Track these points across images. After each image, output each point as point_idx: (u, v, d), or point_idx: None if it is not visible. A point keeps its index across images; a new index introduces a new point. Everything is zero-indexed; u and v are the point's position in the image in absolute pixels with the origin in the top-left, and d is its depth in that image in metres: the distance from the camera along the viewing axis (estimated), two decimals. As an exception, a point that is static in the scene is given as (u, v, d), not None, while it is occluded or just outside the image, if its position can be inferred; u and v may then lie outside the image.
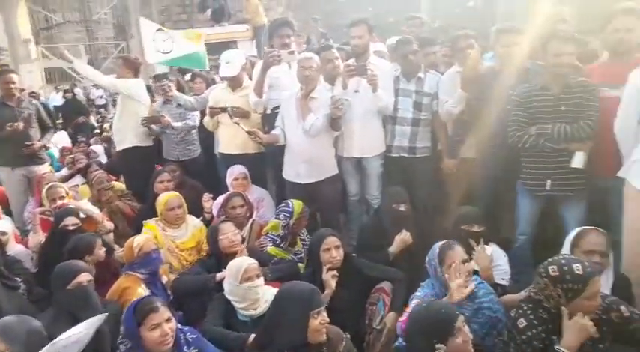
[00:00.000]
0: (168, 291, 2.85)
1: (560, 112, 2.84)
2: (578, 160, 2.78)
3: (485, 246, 2.65)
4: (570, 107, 2.81)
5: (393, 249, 3.05)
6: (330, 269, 2.64)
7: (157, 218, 3.40)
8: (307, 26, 9.31)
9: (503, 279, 2.66)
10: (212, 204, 3.62)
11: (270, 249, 3.16)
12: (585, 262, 1.96)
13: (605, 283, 2.27)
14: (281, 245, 3.19)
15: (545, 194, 2.95)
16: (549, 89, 2.88)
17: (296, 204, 3.25)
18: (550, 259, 1.99)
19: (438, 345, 1.75)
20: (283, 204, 3.32)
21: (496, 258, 2.72)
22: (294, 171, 3.61)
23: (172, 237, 3.32)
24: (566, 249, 2.36)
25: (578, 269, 1.89)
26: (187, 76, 5.84)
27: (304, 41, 6.17)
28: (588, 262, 1.99)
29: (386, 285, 2.74)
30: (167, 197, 3.39)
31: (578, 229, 2.41)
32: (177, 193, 3.49)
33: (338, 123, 3.49)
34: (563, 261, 1.94)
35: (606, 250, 2.29)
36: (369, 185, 3.84)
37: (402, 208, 3.15)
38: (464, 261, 2.26)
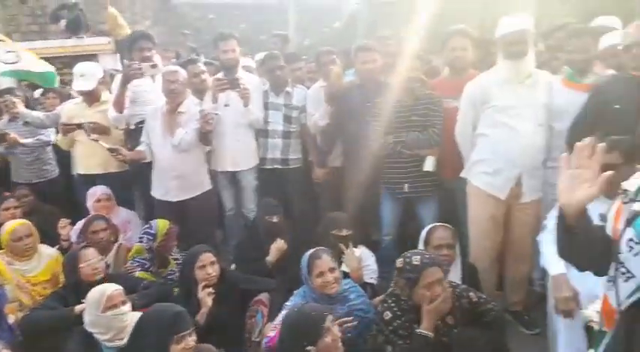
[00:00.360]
0: (17, 332, 2.51)
1: (412, 122, 3.13)
2: (429, 164, 3.08)
3: (354, 249, 2.80)
4: (420, 117, 3.12)
5: (269, 258, 3.07)
6: (205, 286, 2.57)
7: (1, 250, 3.00)
8: (176, 41, 9.05)
9: (372, 278, 2.83)
10: (70, 230, 3.30)
11: (140, 273, 2.97)
12: (426, 255, 2.18)
13: (455, 273, 2.54)
14: (150, 268, 3.02)
15: (404, 196, 3.22)
16: (402, 101, 3.17)
17: (160, 225, 3.12)
18: (402, 254, 2.18)
19: (308, 348, 1.79)
20: (147, 226, 3.18)
21: (365, 259, 2.88)
22: (164, 188, 3.46)
23: (22, 270, 2.96)
24: (420, 245, 2.60)
25: (415, 261, 2.11)
26: (38, 92, 5.28)
27: (173, 56, 5.99)
28: (430, 255, 2.22)
29: (264, 297, 2.75)
30: (13, 226, 3.01)
31: (428, 227, 2.67)
32: (25, 221, 3.11)
33: (208, 138, 3.44)
34: (407, 254, 2.16)
35: (453, 243, 2.56)
36: (244, 198, 3.84)
37: (275, 219, 3.19)
38: (331, 269, 2.35)
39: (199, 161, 3.55)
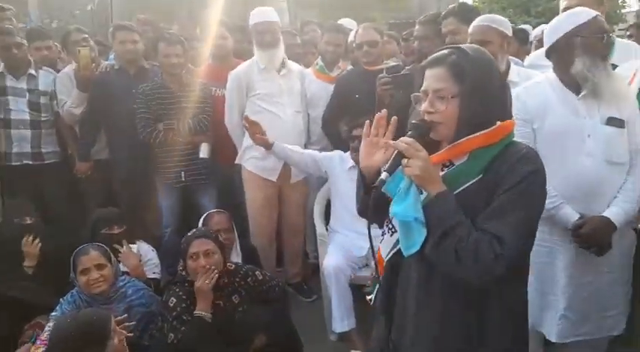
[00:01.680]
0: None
1: (182, 108, 3.06)
2: (203, 151, 3.08)
3: (131, 245, 2.63)
4: (190, 103, 3.07)
5: (27, 263, 2.66)
6: None
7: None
8: None
9: (154, 273, 2.71)
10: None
11: None
12: (201, 229, 2.36)
13: (235, 254, 2.64)
14: None
15: (182, 185, 3.15)
16: (168, 87, 3.07)
17: None
18: None
19: None
20: None
21: (145, 254, 2.74)
22: None
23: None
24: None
25: (189, 234, 2.25)
26: None
27: None
28: (204, 229, 2.37)
29: (42, 319, 2.35)
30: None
31: (205, 214, 2.70)
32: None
33: None
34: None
35: (228, 227, 2.64)
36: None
37: (28, 221, 2.77)
38: (98, 266, 2.17)
39: None
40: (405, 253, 1.26)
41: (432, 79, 1.25)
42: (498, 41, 2.20)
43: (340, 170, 2.86)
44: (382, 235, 1.39)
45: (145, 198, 3.32)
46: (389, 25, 6.54)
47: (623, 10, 14.60)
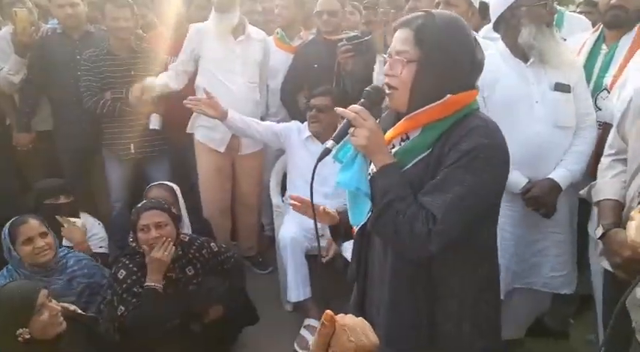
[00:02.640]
0: None
1: (131, 77, 2.91)
2: (154, 122, 2.95)
3: (75, 219, 2.50)
4: (139, 72, 2.92)
5: None
6: None
7: None
8: None
9: (101, 247, 2.62)
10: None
11: None
12: (151, 200, 2.27)
13: (185, 229, 2.57)
14: None
15: (132, 157, 3.02)
16: (116, 54, 2.91)
17: None
18: None
19: (18, 331, 1.57)
20: None
21: (91, 228, 2.62)
22: None
23: None
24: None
25: (138, 205, 2.20)
26: None
27: None
28: (155, 200, 2.29)
29: None
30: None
31: (148, 186, 2.61)
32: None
33: None
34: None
35: (173, 201, 2.51)
36: None
37: None
38: (42, 234, 2.07)
39: None
40: (353, 223, 1.26)
41: (397, 40, 1.22)
42: (464, 7, 2.21)
43: (297, 140, 2.82)
44: None
45: (92, 171, 3.18)
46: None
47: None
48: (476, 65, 1.22)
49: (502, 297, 2.01)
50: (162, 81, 2.85)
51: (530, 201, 1.90)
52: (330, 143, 1.18)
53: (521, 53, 1.90)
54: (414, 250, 1.15)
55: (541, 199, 1.88)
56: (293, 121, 2.95)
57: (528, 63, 1.90)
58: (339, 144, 1.20)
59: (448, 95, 1.16)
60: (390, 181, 1.15)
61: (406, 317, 1.25)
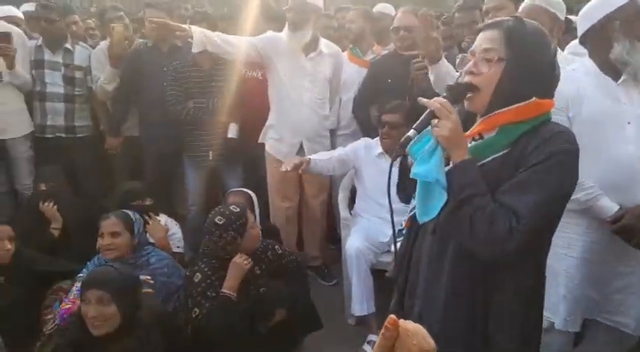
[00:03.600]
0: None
1: (213, 87, 3.08)
2: (232, 131, 3.10)
3: (158, 217, 2.67)
4: (220, 82, 3.08)
5: (53, 225, 2.75)
6: None
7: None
8: None
9: (178, 247, 2.76)
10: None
11: None
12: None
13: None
14: None
15: (209, 164, 3.17)
16: (200, 65, 3.08)
17: None
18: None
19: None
20: None
21: (170, 228, 2.78)
22: None
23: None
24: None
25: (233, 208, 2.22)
26: None
27: None
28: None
29: (65, 284, 2.41)
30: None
31: (228, 192, 2.71)
32: None
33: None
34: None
35: (250, 207, 2.57)
36: (17, 172, 3.29)
37: (43, 187, 2.87)
38: (113, 234, 2.22)
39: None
40: (420, 219, 1.25)
41: (484, 39, 1.23)
42: (549, 24, 2.07)
43: (366, 156, 2.82)
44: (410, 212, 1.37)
45: (172, 176, 3.37)
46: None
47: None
48: (555, 76, 1.24)
49: (578, 329, 1.92)
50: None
51: (621, 229, 1.74)
52: (412, 132, 1.19)
53: (613, 70, 1.77)
54: (490, 246, 1.14)
55: (634, 228, 1.72)
56: (362, 139, 2.96)
57: (620, 80, 1.76)
58: (419, 136, 1.20)
59: (534, 98, 1.17)
60: (469, 176, 1.15)
61: (461, 321, 1.23)
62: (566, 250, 1.85)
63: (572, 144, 1.17)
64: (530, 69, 1.18)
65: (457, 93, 1.22)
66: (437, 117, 1.17)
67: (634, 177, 1.74)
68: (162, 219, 2.75)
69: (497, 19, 1.26)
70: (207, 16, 3.55)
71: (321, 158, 2.75)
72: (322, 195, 3.20)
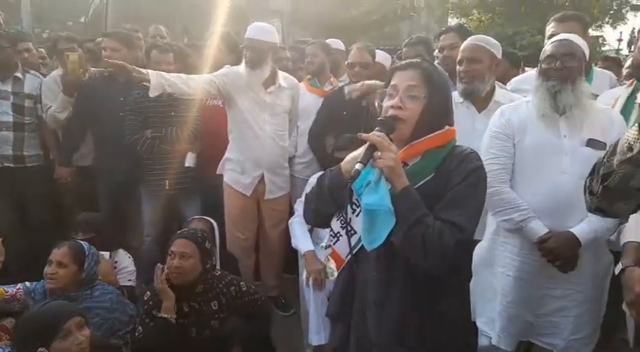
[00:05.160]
0: None
1: (171, 117, 3.08)
2: (189, 160, 3.09)
3: (104, 253, 2.56)
4: (180, 112, 3.08)
5: None
6: None
7: None
8: None
9: (129, 281, 2.67)
10: None
11: None
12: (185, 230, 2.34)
13: (217, 260, 2.61)
14: None
15: (166, 194, 3.13)
16: (160, 95, 3.06)
17: None
18: None
19: (40, 349, 1.62)
20: None
21: (121, 262, 2.70)
22: None
23: None
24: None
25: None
26: None
27: None
28: (188, 230, 2.37)
29: (7, 322, 2.26)
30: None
31: (190, 219, 2.69)
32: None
33: None
34: None
35: (210, 235, 2.56)
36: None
37: None
38: (58, 263, 2.15)
39: None
40: (369, 247, 1.32)
41: (406, 77, 1.37)
42: (487, 62, 2.26)
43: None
44: (333, 238, 1.47)
45: (127, 206, 3.29)
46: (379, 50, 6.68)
47: (603, 48, 15.22)
48: (452, 107, 1.46)
49: (512, 348, 2.02)
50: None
51: (546, 252, 1.86)
52: (359, 165, 1.27)
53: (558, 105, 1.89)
54: (443, 262, 1.27)
55: (556, 251, 1.84)
56: (317, 174, 3.01)
57: (563, 115, 1.89)
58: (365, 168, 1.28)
59: (447, 127, 1.39)
60: (414, 199, 1.29)
61: (414, 335, 1.36)
62: (503, 269, 1.98)
63: (481, 162, 1.38)
64: (442, 103, 1.39)
65: (389, 126, 1.34)
66: (378, 150, 1.27)
67: (565, 204, 1.86)
68: (114, 252, 2.66)
69: (412, 60, 1.42)
70: (176, 49, 3.51)
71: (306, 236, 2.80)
72: (282, 224, 3.19)
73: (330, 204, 1.40)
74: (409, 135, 1.37)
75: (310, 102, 3.29)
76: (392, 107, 1.36)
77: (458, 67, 2.30)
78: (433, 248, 1.25)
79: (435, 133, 1.36)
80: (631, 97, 2.15)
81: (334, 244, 1.47)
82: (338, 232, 1.44)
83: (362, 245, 1.36)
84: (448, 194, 1.31)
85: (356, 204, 1.36)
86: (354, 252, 1.40)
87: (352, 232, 1.39)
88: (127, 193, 3.27)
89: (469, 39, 2.34)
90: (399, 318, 1.35)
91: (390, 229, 1.27)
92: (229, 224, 3.11)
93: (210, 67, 3.31)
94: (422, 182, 1.35)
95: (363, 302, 1.41)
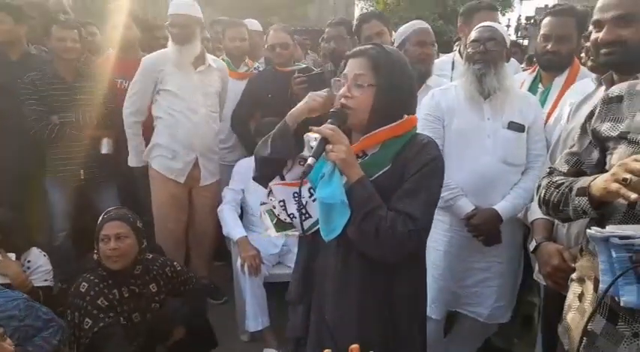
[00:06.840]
0: None
1: (79, 100, 2.82)
2: (105, 146, 2.86)
3: (8, 254, 2.33)
4: (87, 95, 2.83)
5: None
6: None
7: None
8: None
9: (46, 281, 2.43)
10: None
11: None
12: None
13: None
14: None
15: (79, 184, 2.88)
16: (63, 78, 2.81)
17: None
18: None
19: None
20: None
21: (35, 262, 2.43)
22: None
23: None
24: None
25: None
26: None
27: None
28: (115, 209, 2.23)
29: None
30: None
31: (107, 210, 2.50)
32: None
33: None
34: None
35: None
36: None
37: None
38: None
39: None
40: (327, 238, 1.33)
41: (354, 66, 1.36)
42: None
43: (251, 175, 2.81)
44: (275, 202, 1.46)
45: (32, 201, 2.97)
46: (292, 31, 6.62)
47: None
48: (414, 95, 1.44)
49: (441, 316, 2.19)
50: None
51: (472, 227, 2.02)
52: (311, 160, 1.26)
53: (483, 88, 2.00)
54: (395, 250, 1.28)
55: (481, 227, 2.00)
56: (243, 159, 2.97)
57: (487, 99, 2.01)
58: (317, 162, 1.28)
59: (405, 116, 1.36)
60: (368, 191, 1.28)
61: (375, 321, 1.38)
62: (435, 244, 2.11)
63: (438, 152, 1.38)
64: (397, 91, 1.34)
65: (340, 117, 1.33)
66: (330, 143, 1.27)
67: (489, 184, 2.03)
68: (24, 254, 2.40)
69: (362, 47, 1.40)
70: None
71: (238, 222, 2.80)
72: (213, 212, 3.02)
73: (280, 148, 1.39)
74: (366, 125, 1.35)
75: (230, 85, 3.18)
76: (342, 96, 1.35)
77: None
78: (386, 239, 1.26)
79: (394, 124, 1.34)
80: (534, 83, 2.34)
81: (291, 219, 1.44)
82: (292, 214, 1.42)
83: (318, 229, 1.36)
84: (405, 184, 1.31)
85: (313, 189, 1.36)
86: (311, 235, 1.40)
87: (307, 216, 1.39)
88: (30, 186, 2.94)
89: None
90: (358, 304, 1.37)
91: (346, 221, 1.28)
92: (158, 215, 2.95)
93: (121, 46, 3.10)
94: (379, 173, 1.34)
95: (322, 289, 1.42)
